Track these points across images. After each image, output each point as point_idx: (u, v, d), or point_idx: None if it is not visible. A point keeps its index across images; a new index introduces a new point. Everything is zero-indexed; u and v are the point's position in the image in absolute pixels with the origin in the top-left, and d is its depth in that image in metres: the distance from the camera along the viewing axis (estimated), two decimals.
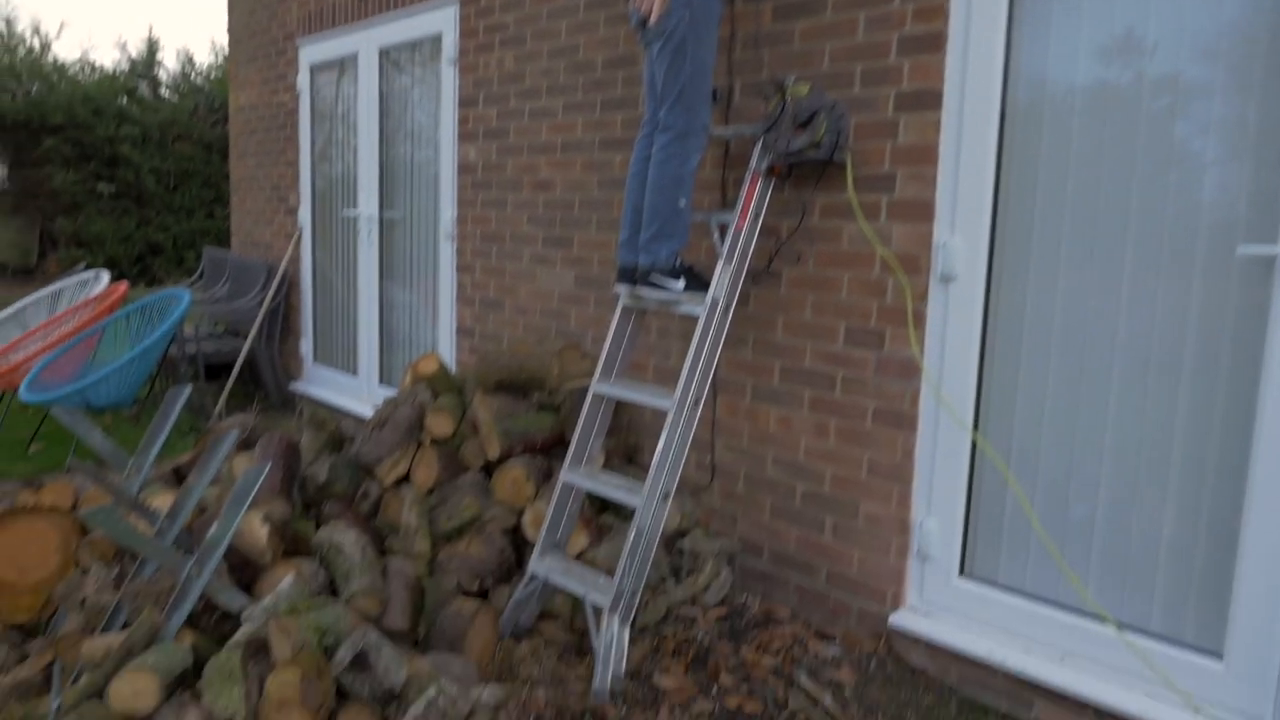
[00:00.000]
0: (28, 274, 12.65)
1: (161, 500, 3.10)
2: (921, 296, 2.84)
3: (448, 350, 4.92)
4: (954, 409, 2.81)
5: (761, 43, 3.26)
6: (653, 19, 2.90)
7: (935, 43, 2.78)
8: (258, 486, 2.56)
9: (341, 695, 2.25)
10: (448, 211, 4.82)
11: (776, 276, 3.24)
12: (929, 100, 2.80)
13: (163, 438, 3.05)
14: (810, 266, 3.13)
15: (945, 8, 2.75)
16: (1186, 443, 2.44)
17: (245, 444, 3.77)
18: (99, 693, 2.22)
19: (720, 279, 2.92)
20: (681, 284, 2.97)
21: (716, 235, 2.98)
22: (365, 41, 5.47)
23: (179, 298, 5.37)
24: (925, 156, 2.81)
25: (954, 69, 2.76)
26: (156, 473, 3.63)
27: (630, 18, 3.07)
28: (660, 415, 3.69)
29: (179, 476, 3.58)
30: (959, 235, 2.78)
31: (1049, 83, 2.65)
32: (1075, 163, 2.61)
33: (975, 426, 2.82)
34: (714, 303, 2.90)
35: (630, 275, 3.10)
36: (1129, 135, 2.50)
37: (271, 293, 6.21)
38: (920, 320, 2.85)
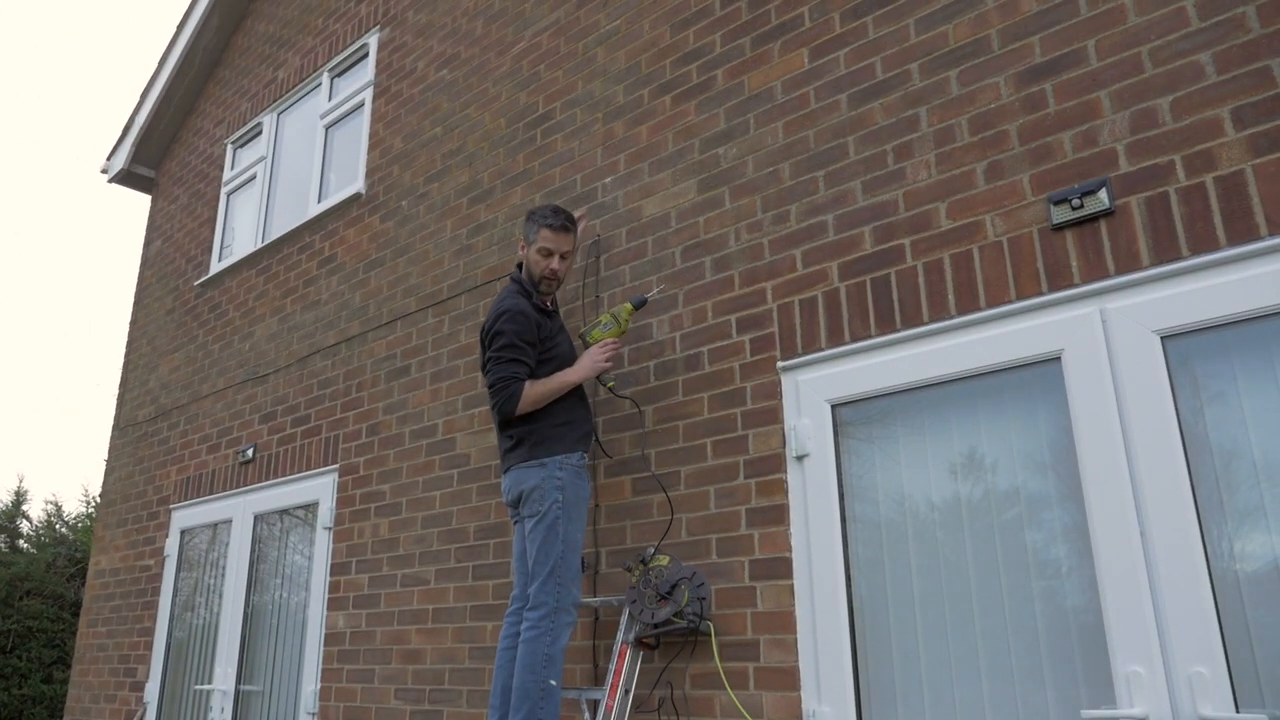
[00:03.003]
0: None
1: None
2: None
3: None
4: None
5: (623, 514, 3.48)
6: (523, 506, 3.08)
7: (779, 515, 3.03)
8: None
9: None
10: (310, 685, 4.55)
11: None
12: (781, 568, 2.98)
13: None
14: None
15: (784, 483, 3.05)
16: None
17: None
18: None
19: None
20: None
21: (587, 714, 2.89)
22: (241, 507, 5.53)
23: None
24: (784, 623, 2.91)
25: (799, 538, 2.98)
26: None
27: (503, 494, 3.25)
28: None
29: None
30: (827, 703, 2.79)
31: (885, 544, 2.88)
32: (922, 621, 2.75)
33: None
34: None
35: None
36: (964, 601, 2.69)
37: None
38: None
